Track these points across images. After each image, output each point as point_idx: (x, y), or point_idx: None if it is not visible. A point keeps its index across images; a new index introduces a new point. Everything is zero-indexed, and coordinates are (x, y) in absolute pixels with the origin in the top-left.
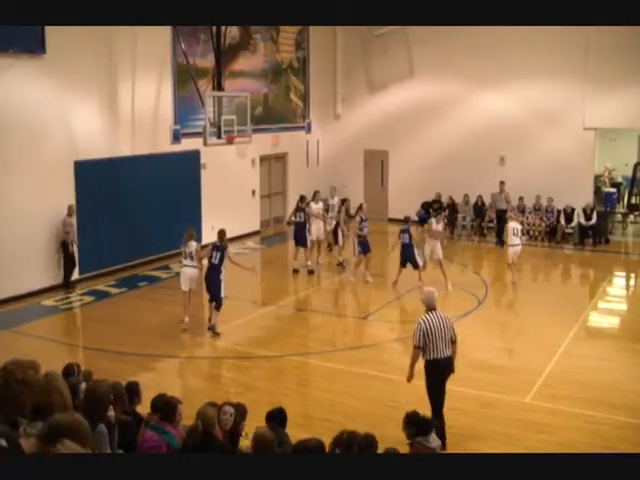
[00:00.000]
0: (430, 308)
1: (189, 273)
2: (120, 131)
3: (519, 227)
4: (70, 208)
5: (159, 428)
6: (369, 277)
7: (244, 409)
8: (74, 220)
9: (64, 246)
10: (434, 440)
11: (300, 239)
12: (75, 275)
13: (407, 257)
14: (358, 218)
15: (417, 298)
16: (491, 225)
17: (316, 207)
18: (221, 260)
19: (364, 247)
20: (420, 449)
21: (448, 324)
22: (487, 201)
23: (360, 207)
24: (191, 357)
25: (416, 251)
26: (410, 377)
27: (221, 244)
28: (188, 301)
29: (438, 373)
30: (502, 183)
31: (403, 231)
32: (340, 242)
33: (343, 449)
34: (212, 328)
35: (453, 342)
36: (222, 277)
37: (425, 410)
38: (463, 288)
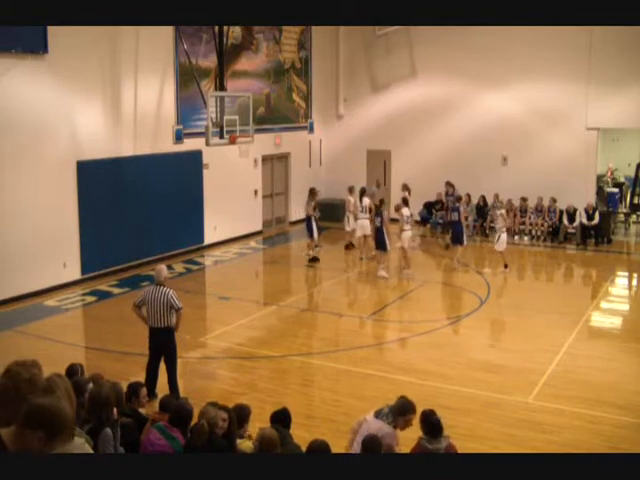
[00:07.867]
0: (156, 283)
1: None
2: (123, 131)
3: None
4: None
5: (166, 432)
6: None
7: (248, 410)
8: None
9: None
10: (438, 442)
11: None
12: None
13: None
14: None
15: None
16: (493, 225)
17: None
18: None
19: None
20: (420, 448)
21: (164, 300)
22: (489, 201)
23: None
24: (194, 357)
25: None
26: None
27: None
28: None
29: (152, 340)
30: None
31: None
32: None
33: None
34: None
35: (177, 310)
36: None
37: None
38: (465, 288)
